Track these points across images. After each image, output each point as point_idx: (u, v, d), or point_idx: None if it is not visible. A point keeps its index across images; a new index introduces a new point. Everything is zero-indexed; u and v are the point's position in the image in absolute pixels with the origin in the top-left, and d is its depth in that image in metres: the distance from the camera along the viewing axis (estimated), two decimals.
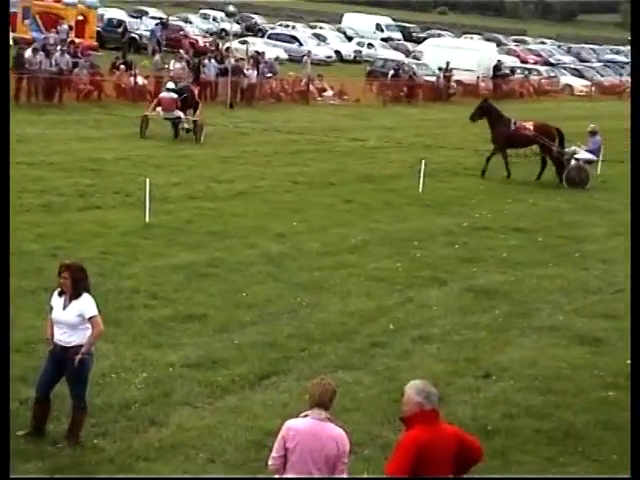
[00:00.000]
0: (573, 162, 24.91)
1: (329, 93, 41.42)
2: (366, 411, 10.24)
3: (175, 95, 27.96)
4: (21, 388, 9.84)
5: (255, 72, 39.00)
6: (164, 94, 28.46)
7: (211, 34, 60.50)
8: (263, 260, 15.68)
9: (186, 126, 27.98)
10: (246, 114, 33.79)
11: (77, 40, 43.10)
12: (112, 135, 27.20)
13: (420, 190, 22.13)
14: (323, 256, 16.25)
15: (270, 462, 7.01)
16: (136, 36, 52.35)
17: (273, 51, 48.98)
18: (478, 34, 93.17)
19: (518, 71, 55.33)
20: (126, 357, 11.09)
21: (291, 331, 12.49)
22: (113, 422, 9.46)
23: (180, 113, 27.89)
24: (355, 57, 63.81)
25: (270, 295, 13.87)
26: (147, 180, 17.48)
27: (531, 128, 25.38)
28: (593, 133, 25.29)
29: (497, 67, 50.43)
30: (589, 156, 25.02)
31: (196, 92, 29.56)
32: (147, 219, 17.32)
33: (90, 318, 8.76)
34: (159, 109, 27.92)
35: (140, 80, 35.47)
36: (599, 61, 72.76)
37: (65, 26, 45.46)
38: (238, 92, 36.89)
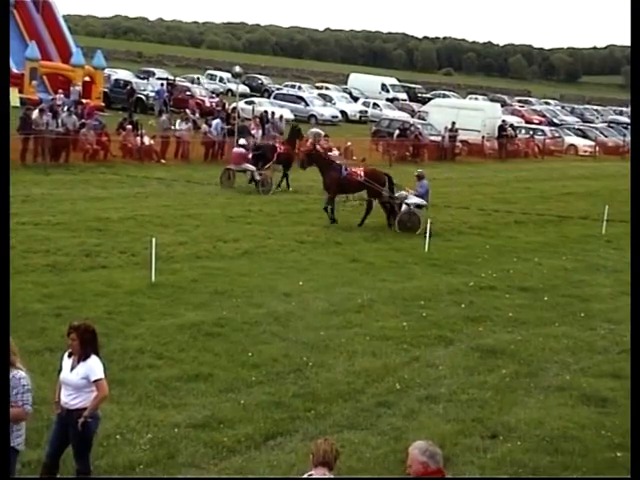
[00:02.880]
0: (404, 207, 25.17)
1: (335, 153, 41.64)
2: (372, 471, 10.15)
3: (243, 150, 30.92)
4: (24, 450, 9.76)
5: (261, 132, 39.29)
6: (234, 149, 31.62)
7: (217, 94, 61.11)
8: (269, 319, 15.64)
9: (257, 178, 30.22)
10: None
11: (84, 101, 43.58)
12: (118, 195, 27.32)
13: (426, 249, 22.15)
14: (329, 315, 16.22)
15: None
16: (143, 96, 52.85)
17: (279, 111, 49.38)
18: (483, 94, 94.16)
19: (523, 131, 55.67)
20: (131, 418, 11.03)
21: (297, 391, 12.43)
22: None
23: (249, 166, 30.30)
24: (361, 117, 64.34)
25: (276, 354, 13.82)
26: (153, 239, 17.52)
27: (362, 174, 25.54)
28: (420, 177, 25.64)
29: (502, 127, 50.73)
30: (419, 200, 25.27)
31: (279, 150, 30.95)
32: (153, 278, 17.33)
33: (95, 381, 8.70)
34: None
35: (146, 140, 35.74)
36: (602, 122, 73.27)
37: (77, 88, 45.98)
38: None
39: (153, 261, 17.35)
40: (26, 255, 18.77)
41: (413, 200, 25.16)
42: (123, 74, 62.29)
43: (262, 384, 12.61)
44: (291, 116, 54.30)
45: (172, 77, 67.02)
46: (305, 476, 7.03)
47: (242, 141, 32.47)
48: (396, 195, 25.38)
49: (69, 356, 8.85)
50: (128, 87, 53.26)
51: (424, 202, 25.39)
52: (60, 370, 8.96)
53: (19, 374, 8.01)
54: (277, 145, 31.48)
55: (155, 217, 24.13)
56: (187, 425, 10.98)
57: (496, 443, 11.20)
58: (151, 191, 28.56)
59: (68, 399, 8.75)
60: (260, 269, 19.26)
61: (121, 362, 12.90)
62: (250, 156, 30.36)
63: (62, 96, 42.35)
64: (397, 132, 46.03)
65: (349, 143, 42.75)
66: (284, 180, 31.19)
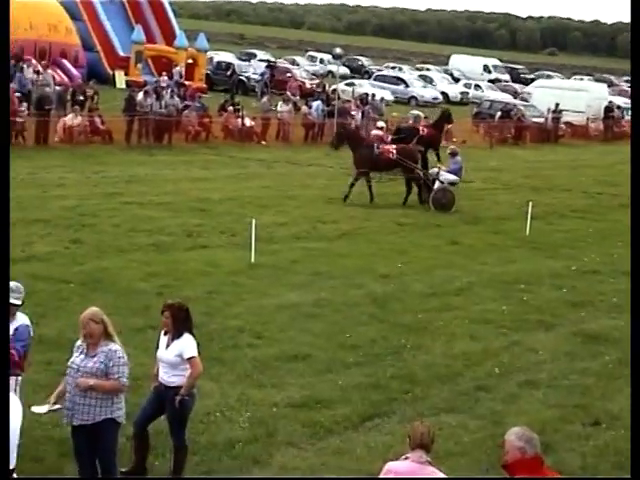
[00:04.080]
0: (437, 184, 24.79)
1: None
2: (470, 456, 10.07)
3: (381, 132, 31.41)
4: (128, 424, 9.97)
5: (361, 114, 39.21)
6: (373, 132, 32.27)
7: (318, 76, 61.21)
8: (367, 301, 15.63)
9: None
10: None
11: (187, 83, 44.13)
12: (220, 175, 27.62)
13: (527, 232, 21.83)
14: (428, 298, 16.13)
15: None
16: (244, 78, 53.25)
17: (379, 92, 49.18)
18: (588, 75, 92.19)
19: (630, 112, 54.23)
20: (230, 396, 11.15)
21: (395, 373, 12.40)
22: (217, 460, 9.50)
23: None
24: (462, 99, 63.65)
25: (374, 336, 13.81)
26: (253, 220, 17.66)
27: (394, 152, 25.25)
28: (453, 154, 25.30)
29: (608, 108, 49.56)
30: (452, 177, 24.86)
31: (422, 133, 30.07)
32: (253, 259, 17.47)
33: (189, 359, 8.79)
34: None
35: (247, 121, 36.01)
36: None
37: (179, 69, 46.59)
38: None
39: (253, 242, 17.50)
40: (131, 234, 19.14)
41: (446, 177, 24.89)
42: (225, 56, 62.75)
43: (360, 365, 12.61)
44: (391, 97, 54.06)
45: (273, 59, 67.35)
46: (402, 458, 7.01)
47: (380, 124, 33.10)
48: (429, 172, 25.19)
49: (165, 334, 8.98)
50: (230, 69, 53.69)
51: (457, 179, 25.11)
52: (157, 347, 9.10)
53: (115, 347, 8.16)
54: (420, 128, 31.23)
55: (255, 198, 24.32)
56: (285, 404, 11.05)
57: (598, 431, 11.00)
58: (252, 172, 28.80)
59: (165, 376, 8.88)
60: (359, 250, 19.26)
61: (221, 341, 13.06)
62: (389, 139, 30.30)
63: (166, 78, 42.93)
64: (499, 114, 45.40)
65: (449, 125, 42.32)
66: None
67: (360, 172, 25.14)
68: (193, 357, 8.81)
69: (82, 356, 8.17)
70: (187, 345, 8.82)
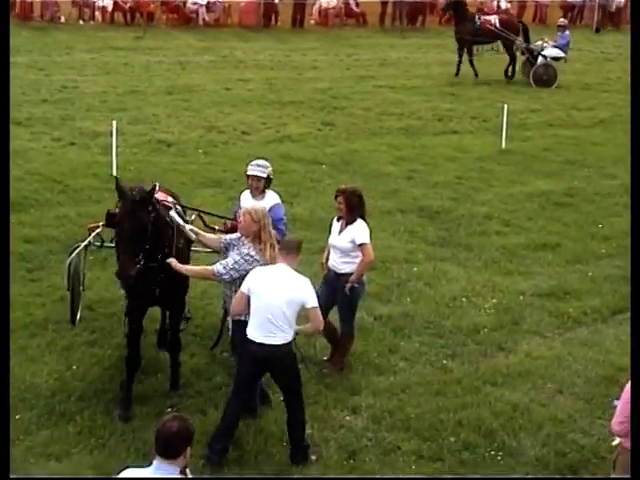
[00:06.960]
0: (540, 59, 23.24)
1: None
2: None
3: None
4: (375, 305, 10.21)
5: None
6: None
7: None
8: (622, 191, 15.03)
9: None
10: (612, 39, 32.31)
11: None
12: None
13: None
14: None
15: (617, 428, 6.24)
16: None
17: None
18: None
19: None
20: (477, 282, 11.14)
21: None
22: (462, 345, 9.56)
23: None
24: None
25: (628, 228, 13.20)
26: (505, 106, 17.30)
27: (497, 23, 23.76)
28: (563, 27, 23.78)
29: None
30: (556, 52, 23.19)
31: None
32: (503, 145, 17.19)
33: (360, 245, 8.57)
34: None
35: (503, 4, 34.91)
36: None
37: None
38: (606, 16, 35.37)
39: (504, 127, 17.18)
40: (381, 118, 19.26)
41: (550, 52, 23.41)
42: None
43: (612, 257, 12.26)
44: None
45: None
46: None
47: None
48: (532, 46, 23.77)
49: (337, 220, 8.78)
50: None
51: (562, 54, 23.56)
52: (330, 234, 8.90)
53: (248, 251, 7.65)
54: None
55: (508, 83, 23.83)
56: (532, 293, 10.93)
57: None
58: (506, 57, 28.04)
59: (336, 262, 8.71)
60: (615, 139, 18.50)
61: (468, 227, 13.04)
62: None
63: None
64: None
65: None
66: None
67: (462, 44, 24.27)
68: (365, 244, 8.57)
69: (236, 249, 7.83)
70: (360, 231, 8.59)
